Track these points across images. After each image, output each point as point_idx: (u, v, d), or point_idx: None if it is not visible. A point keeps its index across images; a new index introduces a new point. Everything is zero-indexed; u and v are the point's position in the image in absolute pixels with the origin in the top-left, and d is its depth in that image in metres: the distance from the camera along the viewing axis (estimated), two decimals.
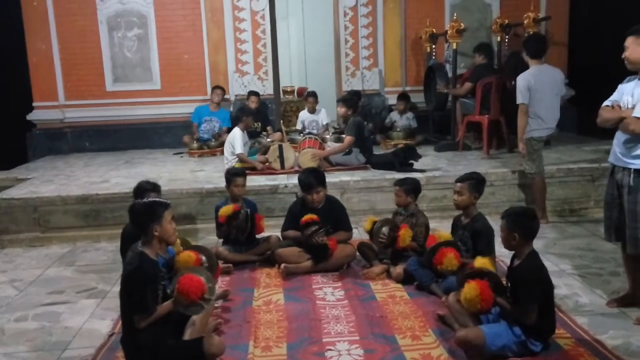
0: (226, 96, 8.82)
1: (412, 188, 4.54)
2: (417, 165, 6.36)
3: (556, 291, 3.35)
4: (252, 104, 8.15)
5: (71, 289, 4.50)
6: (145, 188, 4.28)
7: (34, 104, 8.70)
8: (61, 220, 5.83)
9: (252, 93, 8.34)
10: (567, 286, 4.13)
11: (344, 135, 6.78)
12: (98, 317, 3.95)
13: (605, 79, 8.66)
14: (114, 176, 6.71)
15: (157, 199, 3.31)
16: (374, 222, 4.51)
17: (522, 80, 5.46)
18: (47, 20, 8.53)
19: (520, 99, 5.47)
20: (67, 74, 8.73)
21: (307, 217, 4.50)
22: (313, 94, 8.35)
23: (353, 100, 6.97)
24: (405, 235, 4.30)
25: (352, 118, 6.65)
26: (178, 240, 3.80)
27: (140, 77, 8.86)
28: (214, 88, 8.43)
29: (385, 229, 4.39)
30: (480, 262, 3.39)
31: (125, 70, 8.83)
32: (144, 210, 3.16)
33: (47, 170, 7.31)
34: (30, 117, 8.72)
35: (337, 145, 6.79)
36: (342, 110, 6.76)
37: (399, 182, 4.59)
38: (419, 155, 6.43)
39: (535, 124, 5.52)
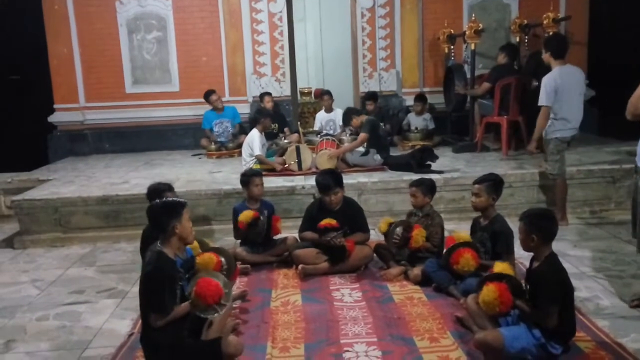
0: (243, 98, 8.87)
1: (428, 188, 4.53)
2: (434, 166, 6.34)
3: (576, 294, 3.32)
4: (268, 104, 8.18)
5: (91, 289, 4.56)
6: (162, 189, 4.31)
7: (55, 106, 8.83)
8: (82, 221, 5.90)
9: (266, 94, 8.37)
10: (587, 289, 4.09)
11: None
12: (118, 317, 4.00)
13: (625, 80, 8.59)
14: (133, 177, 6.78)
15: (175, 199, 3.34)
16: (390, 224, 4.50)
17: (549, 81, 5.37)
18: (67, 23, 8.65)
19: (544, 100, 5.38)
20: (88, 77, 8.84)
21: (326, 221, 4.50)
22: (328, 92, 8.40)
23: (352, 110, 7.01)
24: (418, 235, 4.29)
25: (365, 119, 6.66)
26: (196, 242, 3.84)
27: (159, 79, 8.94)
28: (210, 94, 8.31)
29: (398, 230, 4.38)
30: (500, 267, 3.37)
31: (145, 72, 8.91)
32: (164, 208, 3.19)
33: (67, 172, 7.41)
34: (51, 119, 8.85)
35: (351, 143, 6.79)
36: (354, 122, 6.76)
37: (416, 183, 4.57)
38: (436, 156, 6.40)
39: (560, 124, 5.45)
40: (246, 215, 4.72)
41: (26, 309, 4.22)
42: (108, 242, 5.78)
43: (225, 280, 3.30)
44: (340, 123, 8.21)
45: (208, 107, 8.50)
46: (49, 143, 8.91)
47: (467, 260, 3.84)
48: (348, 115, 6.87)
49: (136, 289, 3.25)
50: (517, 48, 7.84)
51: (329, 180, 4.63)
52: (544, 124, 5.46)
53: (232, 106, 8.57)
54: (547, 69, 5.57)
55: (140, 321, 3.27)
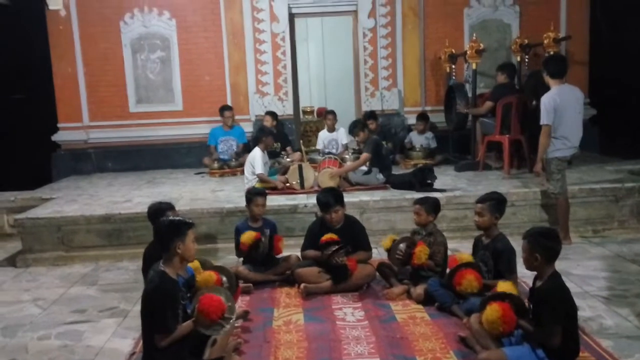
0: (246, 117, 8.92)
1: (432, 207, 4.53)
2: (436, 184, 6.34)
3: (580, 313, 3.31)
4: (266, 122, 8.19)
5: (93, 308, 4.54)
6: (164, 208, 4.32)
7: (59, 125, 8.88)
8: (84, 240, 5.90)
9: (267, 113, 8.41)
10: (591, 308, 4.07)
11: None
12: (120, 336, 3.98)
13: (626, 99, 8.65)
14: (136, 196, 6.78)
15: (183, 219, 3.35)
16: (393, 240, 4.50)
17: (548, 100, 5.40)
18: (72, 43, 8.73)
19: (545, 119, 5.40)
20: (92, 96, 8.89)
21: (327, 236, 4.51)
22: (332, 112, 8.46)
23: (359, 123, 6.99)
24: (421, 252, 4.28)
25: (369, 138, 6.69)
26: (198, 263, 3.84)
27: (162, 99, 9.00)
28: (224, 110, 8.41)
29: (402, 246, 4.38)
30: (503, 286, 3.36)
31: (148, 91, 8.97)
32: (170, 227, 3.21)
33: (71, 190, 7.42)
34: (55, 137, 8.89)
35: (354, 162, 6.81)
36: (358, 137, 6.79)
37: (420, 201, 4.58)
38: (434, 176, 6.40)
39: (560, 143, 5.47)
40: (248, 237, 4.71)
41: (28, 328, 4.21)
42: (110, 260, 5.78)
43: (228, 293, 3.30)
44: (343, 142, 8.26)
45: (212, 125, 8.55)
46: (53, 162, 8.94)
47: (470, 281, 3.86)
48: (358, 126, 6.84)
49: (138, 308, 3.24)
50: (515, 67, 7.89)
51: (329, 197, 4.64)
52: (547, 143, 5.47)
53: (240, 126, 8.62)
54: (547, 87, 5.60)
55: (141, 341, 3.26)
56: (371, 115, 8.25)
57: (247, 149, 8.32)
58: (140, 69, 8.92)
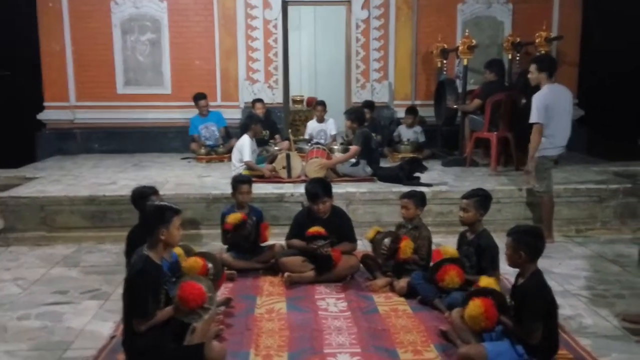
0: (235, 103, 8.87)
1: (420, 200, 4.55)
2: (423, 178, 6.36)
3: (560, 311, 3.34)
4: (259, 110, 8.15)
5: (75, 290, 4.51)
6: (148, 193, 4.30)
7: (45, 104, 8.77)
8: (67, 221, 5.85)
9: (257, 100, 8.36)
10: (571, 307, 4.11)
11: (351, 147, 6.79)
12: (100, 319, 3.96)
13: (614, 100, 8.71)
14: (121, 178, 6.73)
15: (170, 205, 3.33)
16: (377, 232, 4.51)
17: (539, 99, 5.42)
18: (61, 21, 8.62)
19: (536, 118, 5.41)
20: (79, 76, 8.78)
21: (314, 229, 4.50)
22: (322, 103, 8.41)
23: (357, 113, 6.97)
24: (406, 247, 4.29)
25: (359, 129, 6.68)
26: (180, 249, 3.82)
27: (151, 81, 8.91)
28: (199, 99, 8.28)
29: (387, 241, 4.38)
30: (486, 282, 3.39)
31: (137, 73, 8.88)
32: (155, 213, 3.19)
33: (55, 170, 7.34)
34: (41, 116, 8.79)
35: (343, 154, 6.81)
36: (348, 122, 6.81)
37: (408, 195, 4.59)
38: (424, 167, 6.42)
39: (548, 142, 5.49)
40: (234, 217, 4.71)
41: (7, 307, 4.17)
42: (93, 242, 5.73)
43: (210, 284, 3.29)
44: (332, 133, 8.25)
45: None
46: (38, 141, 8.84)
47: (452, 277, 3.89)
48: (355, 114, 6.84)
49: (120, 290, 3.23)
50: (503, 64, 7.91)
51: (318, 189, 4.63)
52: (538, 141, 5.45)
53: (217, 111, 8.55)
54: (536, 87, 5.62)
55: (122, 324, 3.25)
56: (368, 104, 8.25)
57: (228, 132, 8.29)
58: (130, 50, 8.83)
